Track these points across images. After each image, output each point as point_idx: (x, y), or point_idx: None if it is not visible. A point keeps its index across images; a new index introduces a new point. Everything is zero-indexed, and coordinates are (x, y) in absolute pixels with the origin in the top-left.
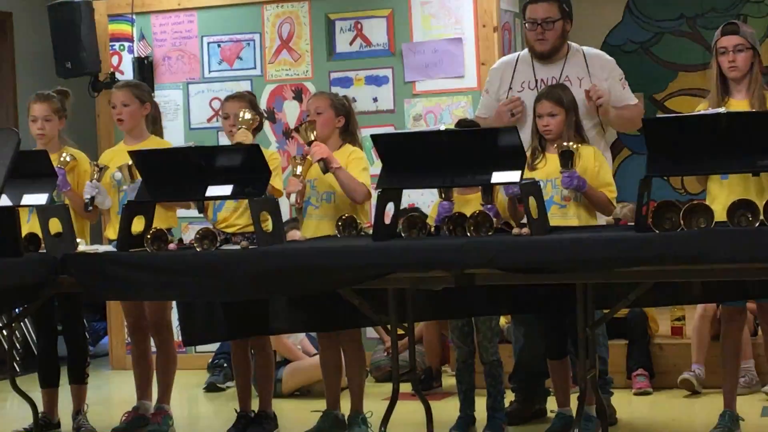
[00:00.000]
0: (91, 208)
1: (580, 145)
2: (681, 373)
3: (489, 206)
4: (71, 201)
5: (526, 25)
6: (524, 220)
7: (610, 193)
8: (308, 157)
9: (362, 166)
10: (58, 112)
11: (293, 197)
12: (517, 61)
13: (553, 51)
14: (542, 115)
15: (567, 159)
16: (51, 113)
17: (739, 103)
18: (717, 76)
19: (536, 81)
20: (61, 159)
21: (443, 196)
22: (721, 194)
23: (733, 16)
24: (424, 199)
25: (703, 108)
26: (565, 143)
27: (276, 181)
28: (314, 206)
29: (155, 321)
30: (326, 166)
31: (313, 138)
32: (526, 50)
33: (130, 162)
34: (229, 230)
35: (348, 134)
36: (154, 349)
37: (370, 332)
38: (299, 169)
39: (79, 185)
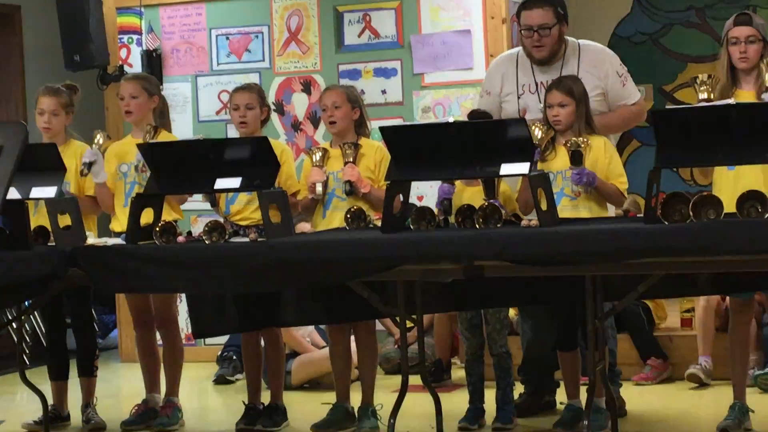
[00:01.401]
0: (87, 172)
1: (589, 137)
2: (691, 364)
3: (491, 200)
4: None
5: (522, 31)
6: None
7: (621, 185)
8: (325, 146)
9: None
10: (66, 107)
11: (319, 187)
12: (517, 61)
13: (551, 56)
14: (552, 105)
15: (577, 158)
16: (59, 108)
17: (746, 94)
18: (727, 65)
19: (536, 84)
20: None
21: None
22: (727, 185)
23: (742, 6)
24: (433, 192)
25: (705, 90)
26: (574, 139)
27: (291, 179)
28: (340, 198)
29: (161, 314)
30: (352, 188)
31: (350, 160)
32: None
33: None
34: (243, 223)
35: (360, 126)
36: (160, 342)
37: (378, 325)
38: (318, 156)
39: (83, 179)
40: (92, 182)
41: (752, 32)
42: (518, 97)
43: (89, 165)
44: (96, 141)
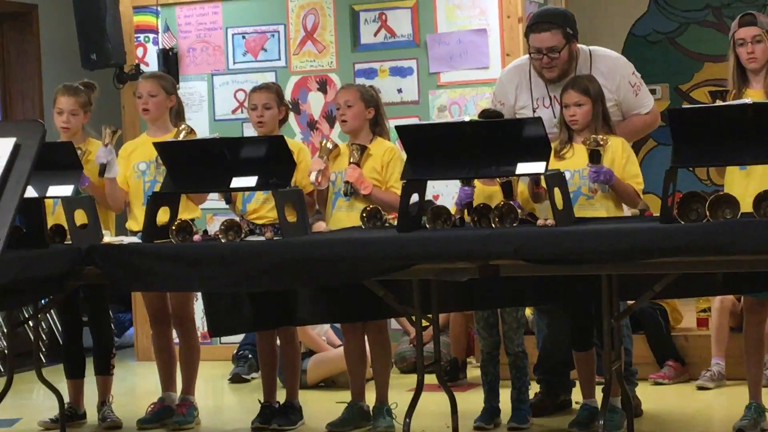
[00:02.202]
0: (103, 172)
1: (607, 136)
2: (707, 364)
3: (509, 201)
4: (94, 194)
5: (531, 53)
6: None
7: (637, 185)
8: (343, 146)
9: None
10: (85, 106)
11: (314, 175)
12: (530, 72)
13: (562, 76)
14: (569, 105)
15: (595, 156)
16: (77, 107)
17: (756, 93)
18: (735, 66)
19: (550, 98)
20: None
21: (464, 181)
22: (739, 183)
23: (759, 6)
24: (449, 191)
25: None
26: (594, 137)
27: (307, 179)
28: (345, 198)
29: (178, 313)
30: (352, 189)
31: (354, 160)
32: None
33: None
34: (260, 222)
35: (377, 125)
36: (176, 340)
37: (394, 324)
38: (328, 145)
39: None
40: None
41: (758, 32)
42: (533, 111)
43: (104, 165)
44: (105, 136)
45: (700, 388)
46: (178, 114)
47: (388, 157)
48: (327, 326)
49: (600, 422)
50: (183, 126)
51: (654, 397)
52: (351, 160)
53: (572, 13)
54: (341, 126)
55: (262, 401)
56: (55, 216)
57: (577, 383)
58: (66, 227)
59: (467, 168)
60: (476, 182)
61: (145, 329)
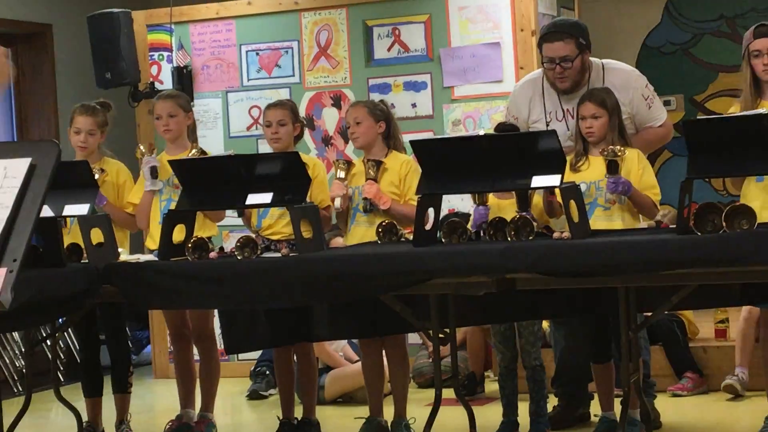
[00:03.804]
0: (156, 176)
1: (624, 148)
2: (725, 375)
3: (523, 213)
4: (111, 214)
5: (544, 63)
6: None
7: (654, 196)
8: (358, 161)
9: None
10: (102, 125)
11: (338, 201)
12: (543, 86)
13: (574, 86)
14: (585, 117)
15: (613, 167)
16: (95, 127)
17: None
18: (750, 78)
19: (563, 111)
20: None
21: (478, 201)
22: (756, 195)
23: None
24: (464, 204)
25: (735, 109)
26: (611, 148)
27: (323, 193)
28: (363, 213)
29: (198, 329)
30: (371, 205)
31: (370, 176)
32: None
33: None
34: (274, 237)
35: (390, 138)
36: (196, 357)
37: (412, 337)
38: (341, 171)
39: (119, 197)
40: (134, 198)
41: None
42: (546, 125)
43: (153, 170)
44: (142, 152)
45: (727, 388)
46: (193, 130)
47: (404, 170)
48: (344, 342)
49: None
50: (193, 146)
51: (673, 409)
52: (367, 176)
53: (585, 25)
54: (353, 143)
55: (281, 417)
56: (71, 235)
57: (596, 396)
58: (82, 246)
59: (482, 182)
60: (490, 196)
61: (163, 346)
